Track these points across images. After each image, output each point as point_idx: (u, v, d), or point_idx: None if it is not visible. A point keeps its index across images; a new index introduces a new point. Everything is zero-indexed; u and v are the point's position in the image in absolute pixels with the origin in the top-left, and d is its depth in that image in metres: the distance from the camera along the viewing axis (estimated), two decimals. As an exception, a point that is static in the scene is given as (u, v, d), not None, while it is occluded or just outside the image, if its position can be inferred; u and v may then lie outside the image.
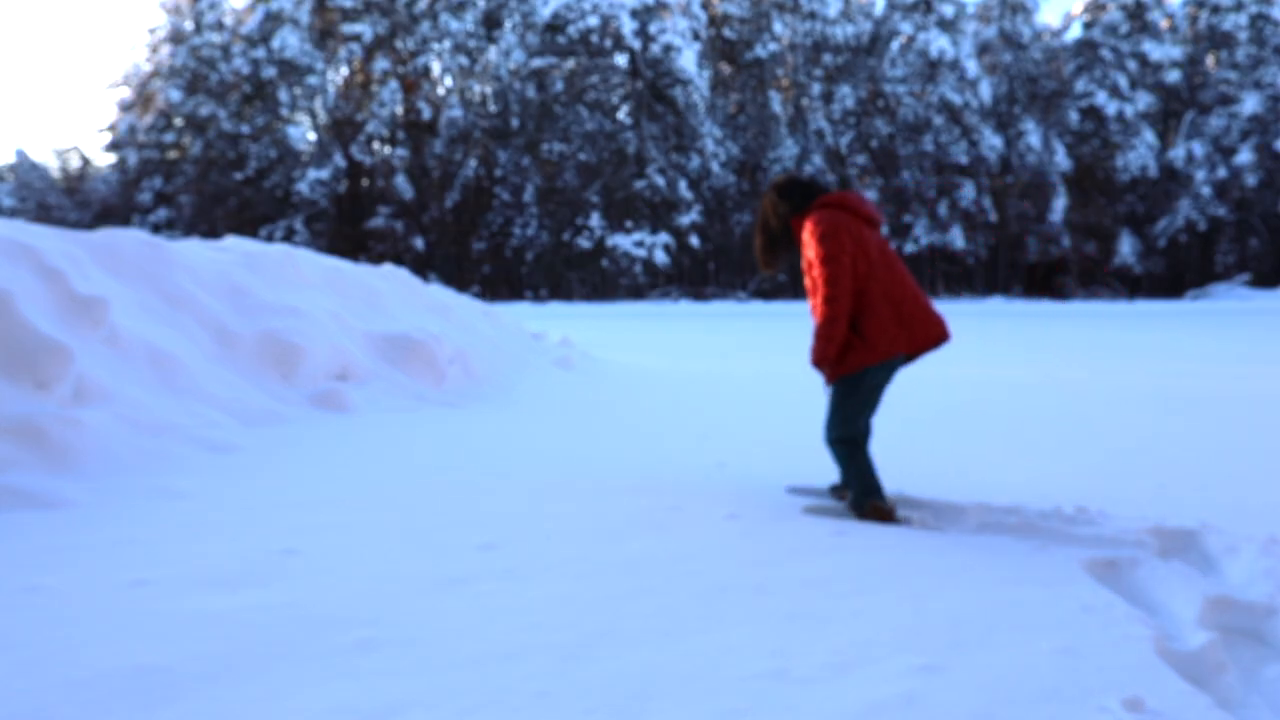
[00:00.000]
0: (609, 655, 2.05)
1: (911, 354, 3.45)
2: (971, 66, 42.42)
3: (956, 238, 42.83)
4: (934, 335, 3.41)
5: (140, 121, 46.08)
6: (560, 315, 25.57)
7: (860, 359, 3.34)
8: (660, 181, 41.39)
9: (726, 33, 46.42)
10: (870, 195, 43.62)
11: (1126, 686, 1.92)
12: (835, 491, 3.75)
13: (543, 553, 2.85)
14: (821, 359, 3.34)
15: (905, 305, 3.39)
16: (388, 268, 8.83)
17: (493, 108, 43.99)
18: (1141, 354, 11.69)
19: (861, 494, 3.43)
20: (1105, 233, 44.69)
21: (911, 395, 7.24)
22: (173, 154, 45.68)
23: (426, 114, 44.53)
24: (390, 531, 3.07)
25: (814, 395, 7.10)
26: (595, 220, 41.46)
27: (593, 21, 40.90)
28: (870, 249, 3.37)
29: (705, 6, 46.04)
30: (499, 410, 6.20)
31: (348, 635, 2.14)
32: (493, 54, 43.66)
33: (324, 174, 42.57)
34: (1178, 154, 43.50)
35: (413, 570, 2.65)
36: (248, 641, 2.09)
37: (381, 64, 44.06)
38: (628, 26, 40.97)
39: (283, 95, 42.74)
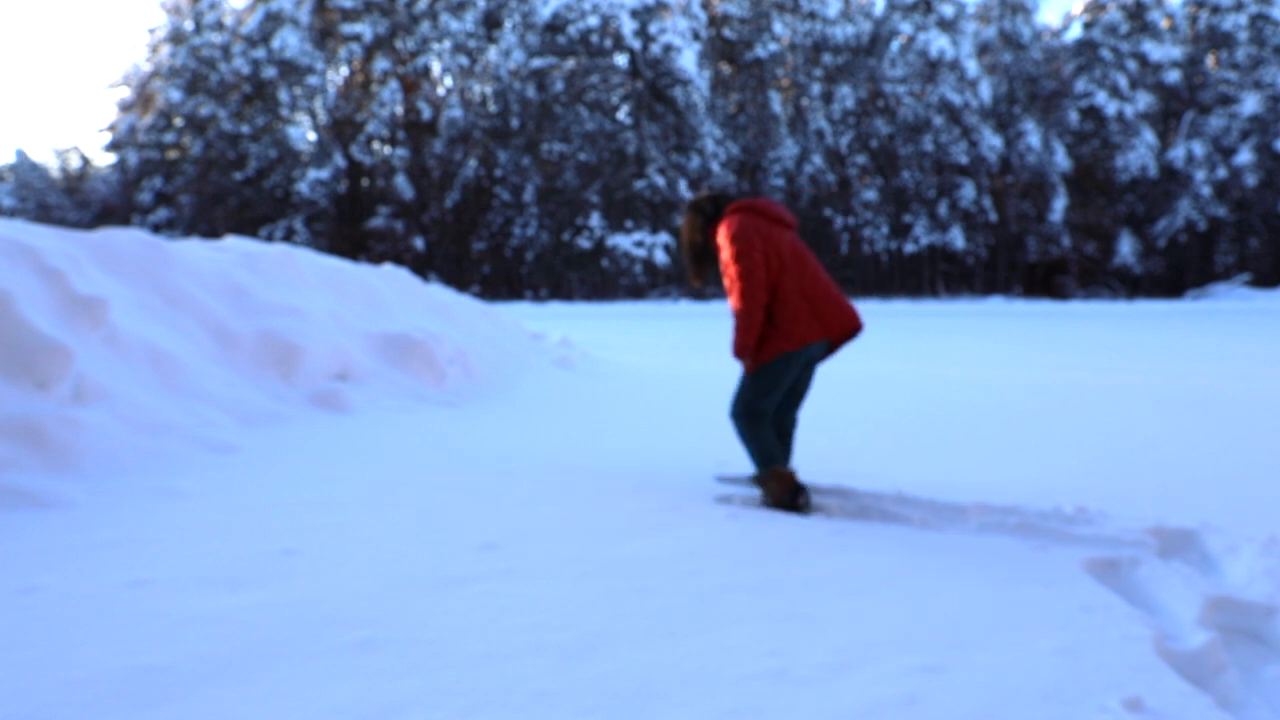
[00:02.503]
0: (609, 655, 2.05)
1: (831, 347, 3.70)
2: (971, 67, 42.40)
3: (956, 238, 42.82)
4: (847, 325, 3.66)
5: (140, 121, 46.06)
6: (560, 315, 25.56)
7: (778, 347, 3.56)
8: (660, 181, 41.38)
9: (726, 33, 46.39)
10: (870, 195, 43.65)
11: (1126, 686, 1.92)
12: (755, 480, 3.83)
13: (543, 553, 2.85)
14: (742, 349, 3.56)
15: (818, 300, 3.62)
16: (388, 268, 8.82)
17: (493, 108, 43.94)
18: (1142, 354, 11.69)
19: (762, 464, 3.61)
20: (1105, 233, 44.67)
21: (911, 396, 7.25)
22: (173, 154, 45.65)
23: (426, 114, 44.51)
24: (390, 531, 3.07)
25: (813, 393, 7.08)
26: (595, 220, 41.44)
27: (593, 22, 40.88)
28: (782, 247, 3.61)
29: (705, 7, 46.02)
30: (499, 410, 6.20)
31: (348, 635, 2.14)
32: (493, 54, 43.61)
33: (324, 174, 42.54)
34: (1177, 154, 43.49)
35: (413, 570, 2.65)
36: (248, 641, 2.09)
37: (382, 64, 44.04)
38: (628, 27, 40.95)
39: (283, 95, 42.70)
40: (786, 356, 3.57)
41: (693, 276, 3.94)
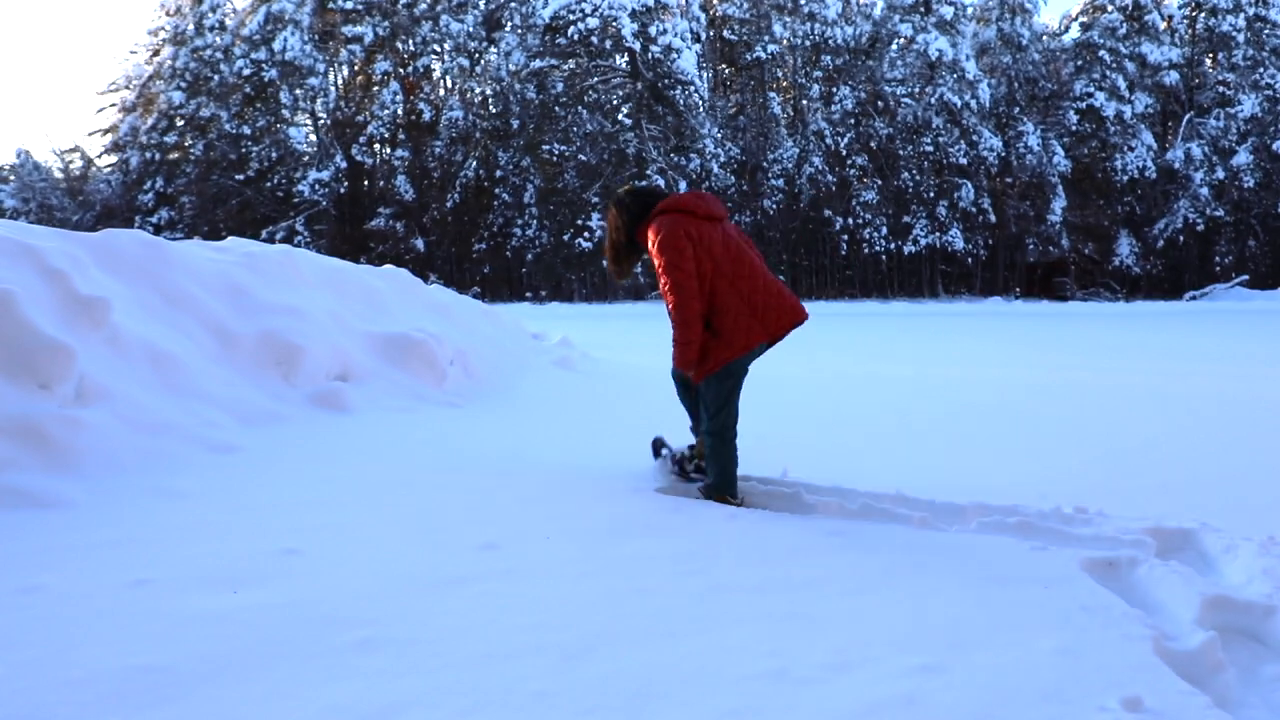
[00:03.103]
0: (609, 655, 2.06)
1: (771, 341, 3.59)
2: (971, 68, 42.39)
3: (956, 238, 42.81)
4: (788, 320, 3.56)
5: (142, 123, 46.08)
6: (560, 316, 25.55)
7: (721, 356, 3.48)
8: (660, 182, 41.38)
9: (726, 34, 46.38)
10: (869, 196, 43.64)
11: (1126, 686, 1.92)
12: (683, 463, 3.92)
13: (543, 553, 2.85)
14: (684, 364, 3.46)
15: (756, 296, 3.50)
16: (388, 268, 8.83)
17: (493, 109, 43.96)
18: (1141, 354, 11.68)
19: (717, 486, 3.60)
20: (1104, 233, 44.66)
21: (911, 396, 7.25)
22: (174, 155, 45.65)
23: (427, 115, 44.52)
24: (390, 531, 3.07)
25: (814, 393, 7.10)
26: (596, 221, 41.43)
27: (593, 23, 40.85)
28: (714, 247, 3.47)
29: (705, 8, 46.03)
30: (499, 410, 6.20)
31: (348, 635, 2.14)
32: (493, 55, 43.63)
33: (325, 175, 42.52)
34: (1176, 155, 43.47)
35: (413, 570, 2.65)
36: (248, 641, 2.09)
37: (382, 65, 44.04)
38: (628, 28, 40.91)
39: (284, 96, 42.69)
40: (731, 364, 3.53)
41: (613, 273, 3.84)
